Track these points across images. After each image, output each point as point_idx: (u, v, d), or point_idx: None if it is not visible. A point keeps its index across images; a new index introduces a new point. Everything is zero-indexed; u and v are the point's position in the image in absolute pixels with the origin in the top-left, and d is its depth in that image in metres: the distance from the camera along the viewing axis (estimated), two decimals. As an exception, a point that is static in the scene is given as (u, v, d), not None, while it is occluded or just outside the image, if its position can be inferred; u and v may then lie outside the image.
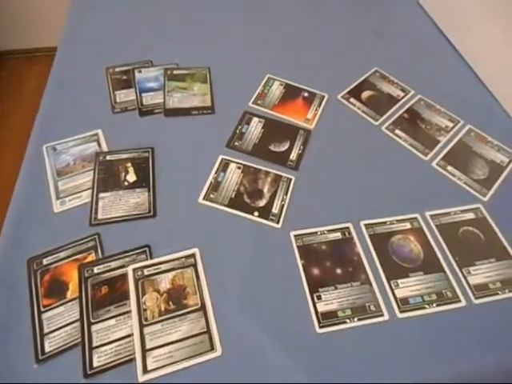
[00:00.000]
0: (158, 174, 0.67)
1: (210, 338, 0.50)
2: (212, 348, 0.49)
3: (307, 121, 0.76)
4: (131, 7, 0.98)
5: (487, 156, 0.71)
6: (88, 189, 0.64)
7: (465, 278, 0.56)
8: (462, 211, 0.63)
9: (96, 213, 0.61)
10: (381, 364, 0.49)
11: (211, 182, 0.66)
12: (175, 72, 0.83)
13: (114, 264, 0.56)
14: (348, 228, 0.61)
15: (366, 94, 0.81)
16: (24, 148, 0.70)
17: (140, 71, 0.82)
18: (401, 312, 0.53)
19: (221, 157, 0.69)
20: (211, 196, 0.64)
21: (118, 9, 0.98)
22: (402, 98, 0.80)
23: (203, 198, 0.64)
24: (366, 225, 0.61)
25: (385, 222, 0.61)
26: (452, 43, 0.92)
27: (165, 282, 0.55)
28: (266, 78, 0.83)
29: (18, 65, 1.74)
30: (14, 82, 1.67)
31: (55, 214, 0.61)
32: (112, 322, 0.51)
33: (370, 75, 0.84)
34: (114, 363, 0.48)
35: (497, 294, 0.55)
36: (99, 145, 0.70)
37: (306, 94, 0.80)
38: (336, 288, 0.55)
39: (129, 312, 0.52)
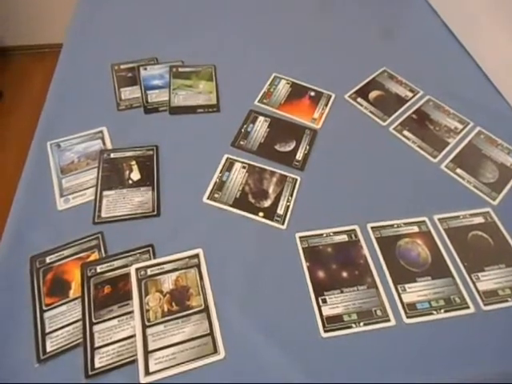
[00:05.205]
0: (162, 172, 0.66)
1: (213, 341, 0.49)
2: (215, 351, 0.49)
3: (314, 120, 0.75)
4: (137, 4, 0.97)
5: (497, 159, 0.70)
6: (92, 187, 0.64)
7: (473, 283, 0.55)
8: (471, 215, 0.62)
9: (100, 211, 0.61)
10: (386, 370, 0.48)
11: (216, 182, 0.65)
12: (181, 70, 0.82)
13: (116, 263, 0.55)
14: (354, 230, 0.60)
15: (373, 94, 0.80)
16: (28, 144, 0.69)
17: (145, 68, 0.82)
18: (408, 317, 0.52)
19: (226, 156, 0.68)
20: (216, 196, 0.63)
21: (125, 6, 0.97)
22: (411, 98, 0.79)
23: (207, 198, 0.63)
24: (372, 227, 0.60)
25: (392, 225, 0.60)
26: (462, 43, 0.90)
27: (168, 282, 0.54)
28: (272, 77, 0.82)
29: (23, 61, 1.74)
30: (19, 78, 1.67)
31: (59, 212, 0.61)
32: (114, 322, 0.51)
33: (378, 75, 0.83)
34: (115, 364, 0.48)
35: (506, 300, 0.54)
36: (104, 142, 0.69)
37: (312, 94, 0.79)
38: (342, 291, 0.54)
39: (131, 312, 0.51)
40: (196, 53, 0.84)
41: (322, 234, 0.59)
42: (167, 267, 0.55)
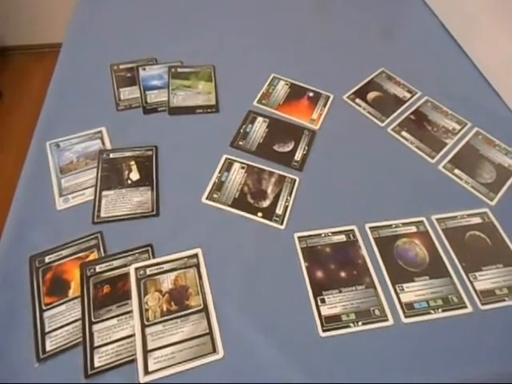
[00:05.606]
0: (161, 172, 0.66)
1: (212, 340, 0.50)
2: (214, 350, 0.49)
3: (312, 121, 0.75)
4: (137, 4, 0.97)
5: (494, 159, 0.70)
6: (91, 186, 0.64)
7: (471, 283, 0.55)
8: (469, 215, 0.62)
9: (99, 211, 0.61)
10: (385, 370, 0.49)
11: (215, 182, 0.65)
12: (180, 70, 0.82)
13: (116, 263, 0.56)
14: (353, 230, 0.60)
15: (371, 95, 0.80)
16: (27, 144, 0.70)
17: (144, 69, 0.82)
18: (406, 317, 0.52)
19: (225, 156, 0.68)
20: (214, 196, 0.63)
21: (124, 6, 0.97)
22: (409, 99, 0.79)
23: (206, 198, 0.63)
24: (371, 227, 0.60)
25: (390, 225, 0.61)
26: (459, 44, 0.91)
27: (167, 282, 0.54)
28: (271, 78, 0.82)
29: (23, 60, 1.74)
30: (19, 77, 1.67)
31: (58, 212, 0.61)
32: (114, 321, 0.51)
33: (376, 76, 0.84)
34: (115, 363, 0.48)
35: (503, 300, 0.54)
36: (103, 142, 0.70)
37: (311, 94, 0.80)
38: (340, 291, 0.54)
39: (130, 312, 0.52)
40: (195, 53, 0.85)
41: (320, 234, 0.59)
42: (166, 267, 0.55)
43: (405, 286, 0.55)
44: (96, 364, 0.48)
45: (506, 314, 0.53)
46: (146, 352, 0.49)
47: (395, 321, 0.52)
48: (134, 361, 0.48)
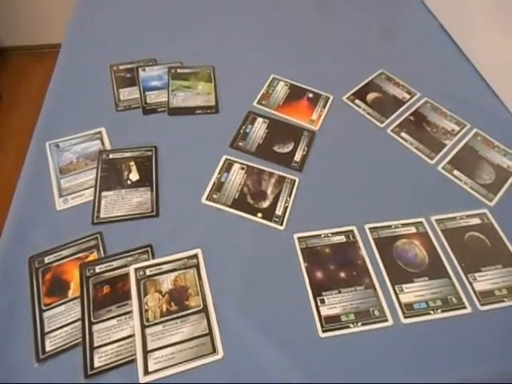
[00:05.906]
0: (161, 173, 0.66)
1: (212, 341, 0.50)
2: (214, 350, 0.49)
3: (312, 122, 0.75)
4: (137, 4, 0.98)
5: (493, 161, 0.71)
6: (91, 187, 0.64)
7: (470, 284, 0.56)
8: (468, 216, 0.63)
9: (98, 211, 0.61)
10: (384, 370, 0.49)
11: (214, 183, 0.65)
12: (179, 71, 0.82)
13: (115, 263, 0.56)
14: (352, 231, 0.60)
15: (371, 96, 0.80)
16: (27, 145, 0.70)
17: (144, 69, 0.82)
18: (405, 317, 0.52)
19: (224, 157, 0.68)
20: (214, 196, 0.63)
21: (124, 6, 0.97)
22: (408, 100, 0.79)
23: (206, 199, 0.63)
24: (370, 228, 0.61)
25: (390, 226, 0.61)
26: (458, 45, 0.91)
27: (167, 282, 0.54)
28: (270, 78, 0.82)
29: (22, 61, 1.74)
30: (18, 78, 1.67)
31: (57, 212, 0.61)
32: (113, 322, 0.51)
33: (375, 77, 0.84)
34: (115, 364, 0.48)
35: (503, 301, 0.54)
36: (102, 143, 0.70)
37: (310, 95, 0.80)
38: (340, 292, 0.54)
39: (130, 312, 0.52)
40: (195, 53, 0.85)
41: (320, 235, 0.60)
42: (166, 267, 0.55)
43: (404, 286, 0.55)
44: (96, 364, 0.48)
45: (506, 315, 0.53)
46: (145, 352, 0.49)
47: (395, 321, 0.52)
48: (133, 361, 0.48)
